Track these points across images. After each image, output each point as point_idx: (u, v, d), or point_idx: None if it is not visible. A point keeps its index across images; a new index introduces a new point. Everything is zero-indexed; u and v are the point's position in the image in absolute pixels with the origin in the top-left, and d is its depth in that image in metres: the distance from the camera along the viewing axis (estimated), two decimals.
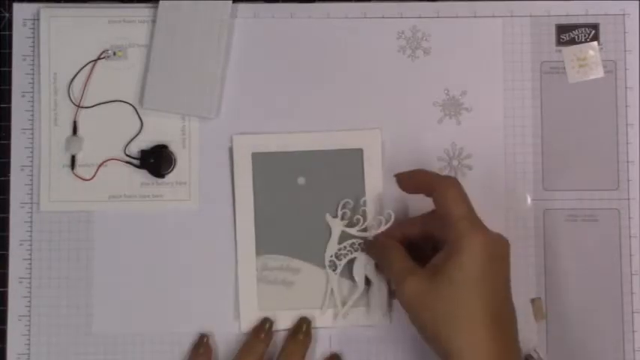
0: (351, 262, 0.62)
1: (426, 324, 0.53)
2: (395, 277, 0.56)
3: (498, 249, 0.54)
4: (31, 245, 0.64)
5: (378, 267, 0.62)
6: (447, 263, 0.53)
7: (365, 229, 0.62)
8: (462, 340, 0.52)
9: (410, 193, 0.59)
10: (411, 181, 0.59)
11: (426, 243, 0.58)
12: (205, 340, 0.62)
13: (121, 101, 0.64)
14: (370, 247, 0.61)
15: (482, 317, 0.52)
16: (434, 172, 0.58)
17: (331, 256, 0.62)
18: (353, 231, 0.62)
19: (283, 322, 0.62)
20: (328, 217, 0.63)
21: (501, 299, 0.53)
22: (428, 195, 0.56)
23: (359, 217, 0.62)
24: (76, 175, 0.64)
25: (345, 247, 0.62)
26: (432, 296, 0.53)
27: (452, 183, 0.56)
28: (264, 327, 0.61)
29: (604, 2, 0.64)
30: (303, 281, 0.63)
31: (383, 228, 0.61)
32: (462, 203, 0.54)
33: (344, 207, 0.63)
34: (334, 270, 0.62)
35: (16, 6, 0.65)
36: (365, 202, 0.63)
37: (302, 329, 0.61)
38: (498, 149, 0.64)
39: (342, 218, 0.63)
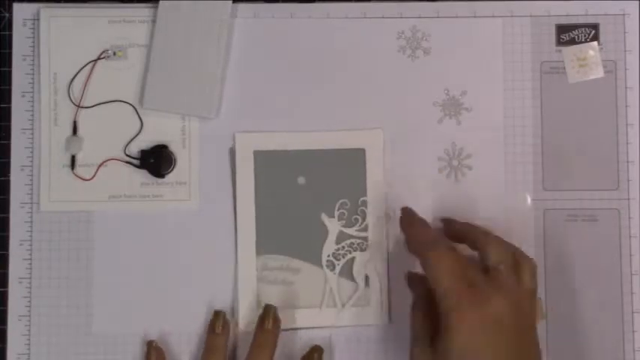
0: (350, 261, 0.62)
1: None
2: (411, 339, 0.56)
3: (488, 320, 0.52)
4: (31, 245, 0.64)
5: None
6: (440, 342, 0.52)
7: (364, 229, 0.62)
8: None
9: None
10: (405, 232, 0.59)
11: None
12: (154, 344, 0.61)
13: (121, 101, 0.64)
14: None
15: None
16: (427, 232, 0.58)
17: (328, 256, 0.62)
18: (352, 231, 0.62)
19: (283, 321, 0.62)
20: (324, 217, 0.63)
21: None
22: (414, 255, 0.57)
23: (357, 217, 0.62)
24: (76, 175, 0.64)
25: (343, 247, 0.62)
26: None
27: (440, 255, 0.54)
28: (218, 320, 0.61)
29: (604, 2, 0.64)
30: (303, 281, 0.63)
31: (385, 226, 0.61)
32: (448, 275, 0.53)
33: (341, 207, 0.63)
34: (332, 270, 0.62)
35: (16, 6, 0.65)
36: (363, 201, 0.63)
37: (269, 316, 0.60)
38: (498, 149, 0.64)
39: (340, 219, 0.63)
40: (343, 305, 0.62)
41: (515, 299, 0.53)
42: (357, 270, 0.62)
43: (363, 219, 0.63)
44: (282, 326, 0.62)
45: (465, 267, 0.54)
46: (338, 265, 0.62)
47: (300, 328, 0.63)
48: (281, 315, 0.62)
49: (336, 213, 0.63)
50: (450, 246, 0.55)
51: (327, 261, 0.62)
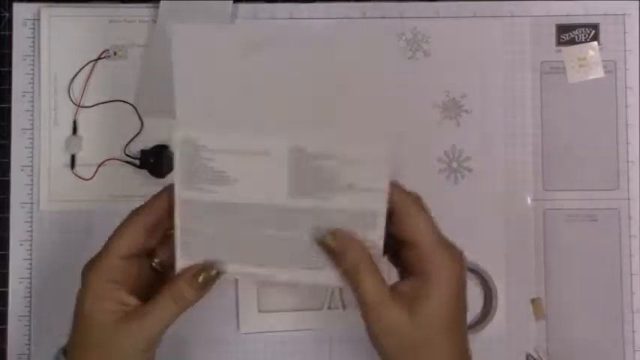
0: None
1: (392, 353, 0.49)
2: (367, 303, 0.47)
3: (465, 274, 0.48)
4: (31, 245, 0.64)
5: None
6: (426, 299, 0.47)
7: None
8: None
9: None
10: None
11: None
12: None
13: (121, 101, 0.64)
14: (338, 258, 0.48)
15: (453, 355, 0.47)
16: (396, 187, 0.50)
17: None
18: None
19: (283, 323, 0.62)
20: None
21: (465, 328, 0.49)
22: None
23: None
24: (75, 174, 0.64)
25: None
26: (407, 329, 0.47)
27: (413, 203, 0.49)
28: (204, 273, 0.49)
29: (604, 2, 0.64)
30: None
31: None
32: (431, 227, 0.48)
33: None
34: None
35: (16, 6, 0.65)
36: None
37: None
38: (498, 150, 0.64)
39: None
40: (345, 307, 0.62)
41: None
42: None
43: None
44: (282, 328, 0.62)
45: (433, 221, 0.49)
46: None
47: (303, 330, 0.63)
48: (284, 317, 0.62)
49: None
50: None
51: None
